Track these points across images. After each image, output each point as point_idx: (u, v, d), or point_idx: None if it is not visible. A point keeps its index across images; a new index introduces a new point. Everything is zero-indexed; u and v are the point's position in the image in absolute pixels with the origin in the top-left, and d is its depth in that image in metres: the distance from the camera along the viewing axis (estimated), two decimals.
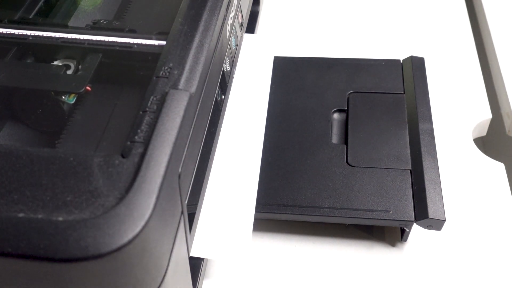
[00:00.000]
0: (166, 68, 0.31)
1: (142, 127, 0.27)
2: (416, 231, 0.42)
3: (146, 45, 0.34)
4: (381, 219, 0.39)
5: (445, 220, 0.38)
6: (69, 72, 0.34)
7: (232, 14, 0.39)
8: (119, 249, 0.23)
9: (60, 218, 0.24)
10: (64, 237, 0.23)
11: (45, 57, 0.35)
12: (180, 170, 0.28)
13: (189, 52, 0.32)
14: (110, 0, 0.41)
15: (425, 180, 0.40)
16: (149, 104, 0.29)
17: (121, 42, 0.34)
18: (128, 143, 0.27)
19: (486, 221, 0.43)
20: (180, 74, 0.30)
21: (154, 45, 0.34)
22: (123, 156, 0.26)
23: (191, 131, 0.30)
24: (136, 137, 0.27)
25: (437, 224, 0.38)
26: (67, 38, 0.34)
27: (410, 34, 0.59)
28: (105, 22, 0.36)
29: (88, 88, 0.32)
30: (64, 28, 0.35)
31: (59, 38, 0.34)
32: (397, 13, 0.62)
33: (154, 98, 0.29)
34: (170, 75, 0.30)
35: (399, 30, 0.59)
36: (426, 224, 0.38)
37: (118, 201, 0.24)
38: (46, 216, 0.24)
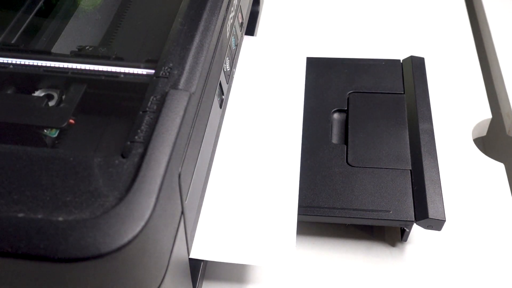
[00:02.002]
0: (166, 68, 0.31)
1: (142, 127, 0.27)
2: (416, 231, 0.42)
3: (133, 74, 0.32)
4: (381, 219, 0.39)
5: (445, 220, 0.38)
6: (52, 102, 0.32)
7: (232, 14, 0.39)
8: (119, 249, 0.23)
9: (60, 218, 0.24)
10: (64, 237, 0.23)
11: (26, 87, 0.33)
12: (180, 170, 0.28)
13: (189, 52, 0.32)
14: (100, 20, 0.39)
15: (425, 180, 0.40)
16: (149, 104, 0.29)
17: (107, 71, 0.32)
18: (128, 143, 0.27)
19: (486, 221, 0.43)
20: (180, 74, 0.30)
21: (142, 75, 0.32)
22: (123, 156, 0.26)
23: (191, 131, 0.30)
24: (136, 137, 0.27)
25: (437, 224, 0.38)
26: (50, 67, 0.32)
27: (410, 34, 0.59)
28: (90, 49, 0.34)
29: (71, 121, 0.30)
30: (47, 55, 0.33)
31: (41, 66, 0.32)
32: (397, 13, 0.62)
33: (154, 98, 0.29)
34: (170, 75, 0.30)
35: (399, 30, 0.59)
36: (426, 224, 0.38)
37: (118, 201, 0.24)
38: (46, 216, 0.24)
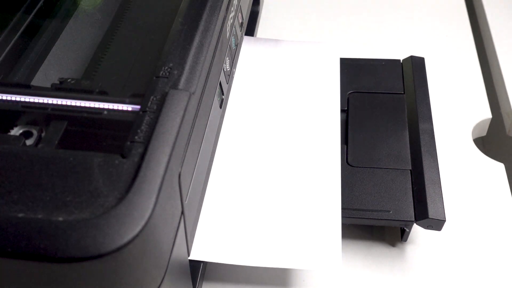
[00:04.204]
0: (166, 68, 0.31)
1: (142, 127, 0.27)
2: (416, 231, 0.42)
3: (117, 110, 0.30)
4: (381, 219, 0.39)
5: (445, 220, 0.38)
6: (30, 141, 0.29)
7: (232, 14, 0.39)
8: (119, 249, 0.23)
9: (60, 218, 0.24)
10: (64, 237, 0.23)
11: (3, 124, 0.30)
12: (180, 170, 0.28)
13: (189, 52, 0.32)
14: (85, 46, 0.37)
15: (425, 180, 0.40)
16: (149, 104, 0.29)
17: (89, 107, 0.30)
18: (128, 143, 0.27)
19: (486, 221, 0.43)
20: (180, 74, 0.30)
21: (127, 111, 0.29)
22: (123, 156, 0.26)
23: (191, 131, 0.30)
24: (136, 137, 0.27)
25: (437, 224, 0.38)
26: (29, 102, 0.30)
27: (410, 34, 0.59)
28: (72, 82, 0.31)
29: None
30: (27, 89, 0.31)
31: (19, 102, 0.30)
32: (397, 13, 0.62)
33: (154, 98, 0.29)
34: (170, 75, 0.30)
35: (399, 30, 0.59)
36: (426, 224, 0.38)
37: (118, 201, 0.24)
38: (46, 216, 0.24)
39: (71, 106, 0.30)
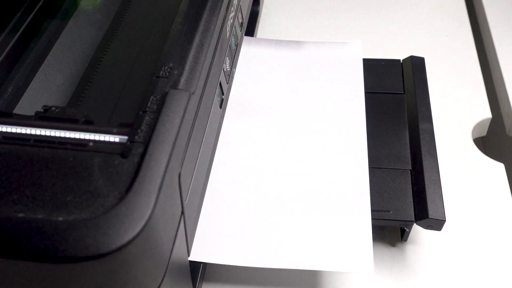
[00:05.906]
0: (166, 68, 0.31)
1: (142, 127, 0.27)
2: (416, 231, 0.42)
3: (104, 142, 0.28)
4: (381, 219, 0.39)
5: (445, 220, 0.38)
6: None
7: (232, 14, 0.39)
8: (119, 249, 0.23)
9: (60, 218, 0.24)
10: (64, 237, 0.23)
11: None
12: (180, 170, 0.28)
13: (189, 52, 0.32)
14: (74, 70, 0.36)
15: (425, 180, 0.40)
16: (149, 104, 0.29)
17: (74, 138, 0.28)
18: (128, 143, 0.27)
19: (486, 221, 0.43)
20: (180, 74, 0.30)
21: (114, 143, 0.28)
22: (123, 156, 0.26)
23: (191, 131, 0.30)
24: (136, 137, 0.27)
25: (437, 224, 0.38)
26: (10, 133, 0.28)
27: (410, 34, 0.59)
28: (57, 110, 0.29)
29: None
30: (9, 117, 0.29)
31: (0, 132, 0.28)
32: (397, 13, 0.62)
33: (154, 98, 0.29)
34: (170, 75, 0.30)
35: (399, 30, 0.59)
36: (426, 224, 0.38)
37: (118, 201, 0.24)
38: (46, 216, 0.24)
39: (54, 137, 0.28)
